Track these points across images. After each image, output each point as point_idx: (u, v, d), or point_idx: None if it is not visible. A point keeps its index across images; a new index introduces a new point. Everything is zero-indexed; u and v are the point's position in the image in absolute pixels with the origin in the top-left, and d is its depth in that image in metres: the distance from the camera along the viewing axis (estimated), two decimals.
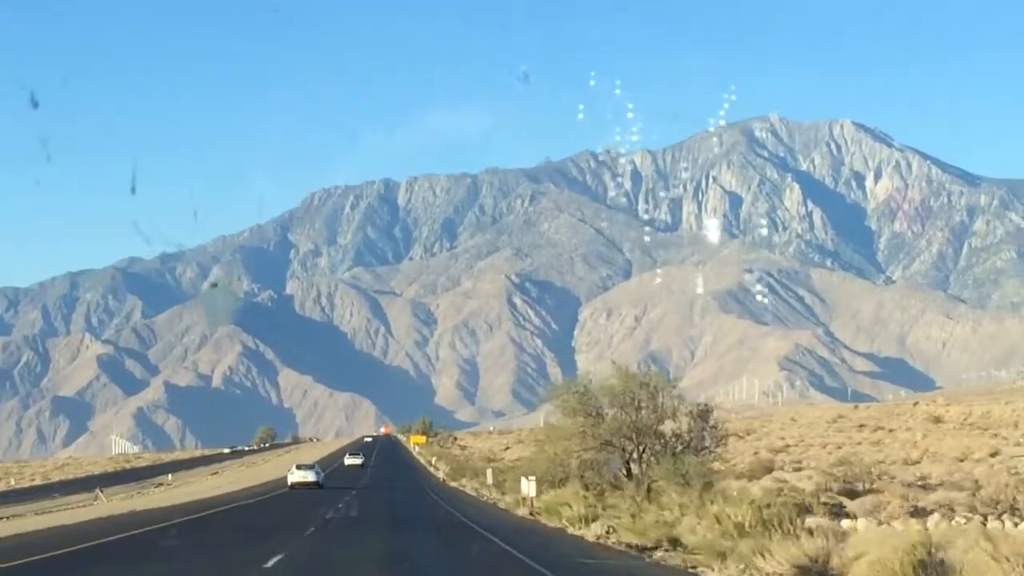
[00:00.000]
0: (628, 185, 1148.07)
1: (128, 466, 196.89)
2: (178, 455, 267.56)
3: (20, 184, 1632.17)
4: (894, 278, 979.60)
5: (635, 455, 67.91)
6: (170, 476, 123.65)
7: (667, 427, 68.26)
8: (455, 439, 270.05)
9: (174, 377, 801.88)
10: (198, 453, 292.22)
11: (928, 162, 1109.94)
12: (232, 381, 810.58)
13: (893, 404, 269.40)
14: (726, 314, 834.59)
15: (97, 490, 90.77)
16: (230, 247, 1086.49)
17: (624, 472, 68.23)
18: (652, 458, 67.10)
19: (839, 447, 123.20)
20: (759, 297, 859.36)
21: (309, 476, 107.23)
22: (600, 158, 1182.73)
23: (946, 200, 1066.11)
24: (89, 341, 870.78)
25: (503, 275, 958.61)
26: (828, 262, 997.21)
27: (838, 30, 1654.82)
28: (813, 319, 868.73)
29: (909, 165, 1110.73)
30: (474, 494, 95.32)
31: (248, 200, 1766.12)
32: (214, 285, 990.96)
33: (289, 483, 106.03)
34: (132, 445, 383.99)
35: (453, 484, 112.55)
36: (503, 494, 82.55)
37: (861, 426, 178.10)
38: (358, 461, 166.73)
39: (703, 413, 70.11)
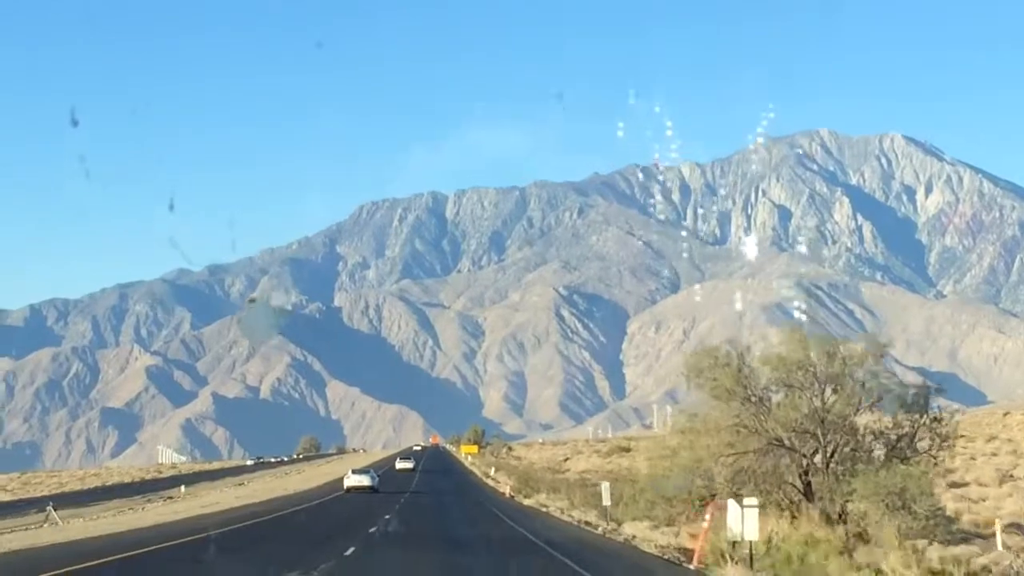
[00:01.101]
0: (676, 198, 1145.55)
1: (152, 476, 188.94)
2: (212, 466, 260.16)
3: (69, 198, 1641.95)
4: (945, 292, 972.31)
5: (818, 460, 48.43)
6: (183, 488, 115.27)
7: (862, 420, 48.94)
8: (509, 449, 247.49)
9: (222, 388, 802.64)
10: (232, 464, 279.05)
11: (980, 176, 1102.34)
12: (280, 392, 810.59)
13: (973, 414, 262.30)
14: (775, 327, 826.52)
15: (49, 507, 75.44)
16: (278, 259, 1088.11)
17: (800, 485, 48.72)
18: (840, 465, 48.05)
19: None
20: (796, 314, 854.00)
21: (364, 480, 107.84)
22: (648, 171, 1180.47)
23: (998, 214, 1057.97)
24: (138, 352, 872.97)
25: (551, 288, 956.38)
26: (878, 276, 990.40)
27: (888, 45, 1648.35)
28: (863, 333, 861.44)
29: (960, 179, 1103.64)
30: (570, 521, 67.31)
31: (296, 213, 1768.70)
32: (252, 300, 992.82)
33: (345, 487, 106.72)
34: (179, 456, 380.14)
35: (527, 502, 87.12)
36: (616, 523, 60.40)
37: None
38: (409, 465, 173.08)
39: (925, 395, 50.05)
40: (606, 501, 63.74)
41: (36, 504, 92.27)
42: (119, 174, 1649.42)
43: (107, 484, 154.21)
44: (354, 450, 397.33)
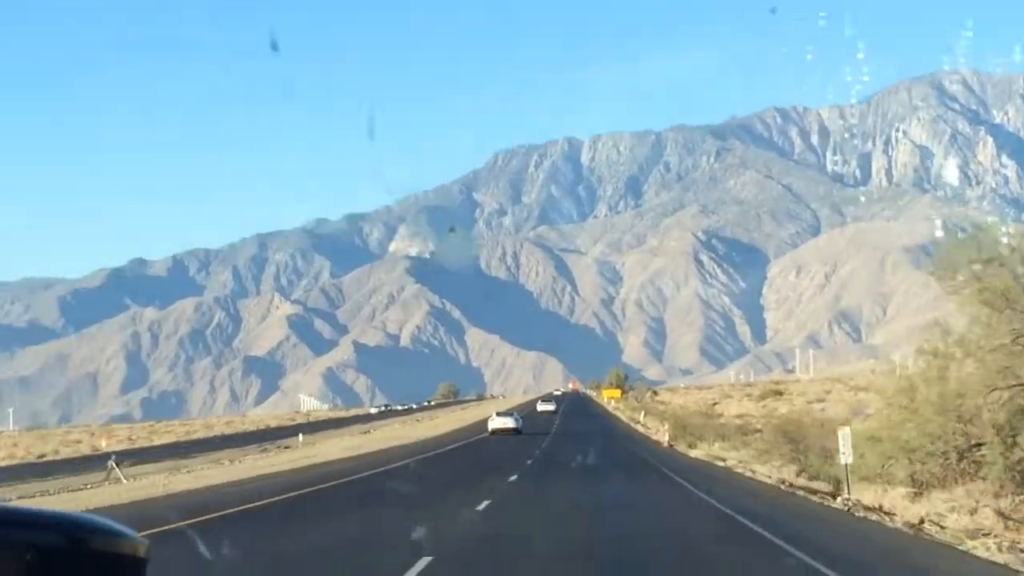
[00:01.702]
0: (816, 140, 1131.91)
1: (278, 425, 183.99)
2: (346, 413, 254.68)
3: (210, 145, 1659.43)
4: None
5: None
6: (300, 437, 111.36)
7: None
8: (654, 393, 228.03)
9: (363, 337, 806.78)
10: (364, 411, 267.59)
11: None
12: (420, 340, 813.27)
13: None
14: (918, 269, 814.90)
15: (110, 462, 62.29)
16: (415, 207, 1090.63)
17: None
18: None
19: None
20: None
21: (508, 423, 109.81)
22: (786, 114, 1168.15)
23: None
24: (279, 301, 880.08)
25: (689, 232, 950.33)
26: None
27: None
28: None
29: None
30: (768, 481, 50.22)
31: (433, 160, 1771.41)
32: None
33: (489, 429, 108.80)
34: (319, 403, 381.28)
35: (694, 454, 72.67)
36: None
37: None
38: (550, 407, 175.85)
39: None
40: (845, 456, 39.47)
41: (131, 456, 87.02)
42: (257, 121, 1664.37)
43: (227, 433, 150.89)
44: (492, 396, 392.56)
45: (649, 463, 64.28)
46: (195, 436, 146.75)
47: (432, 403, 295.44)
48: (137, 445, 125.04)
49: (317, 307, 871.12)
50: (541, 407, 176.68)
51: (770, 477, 52.15)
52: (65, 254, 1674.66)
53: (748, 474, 55.27)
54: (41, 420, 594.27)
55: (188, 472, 68.00)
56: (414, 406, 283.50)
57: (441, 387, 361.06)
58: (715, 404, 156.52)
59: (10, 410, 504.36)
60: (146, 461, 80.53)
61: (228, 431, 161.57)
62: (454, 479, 52.63)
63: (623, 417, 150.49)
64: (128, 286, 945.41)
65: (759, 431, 73.26)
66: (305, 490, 47.51)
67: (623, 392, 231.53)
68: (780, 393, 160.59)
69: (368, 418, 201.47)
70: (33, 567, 2.98)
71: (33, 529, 3.05)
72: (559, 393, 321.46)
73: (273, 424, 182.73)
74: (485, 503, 38.37)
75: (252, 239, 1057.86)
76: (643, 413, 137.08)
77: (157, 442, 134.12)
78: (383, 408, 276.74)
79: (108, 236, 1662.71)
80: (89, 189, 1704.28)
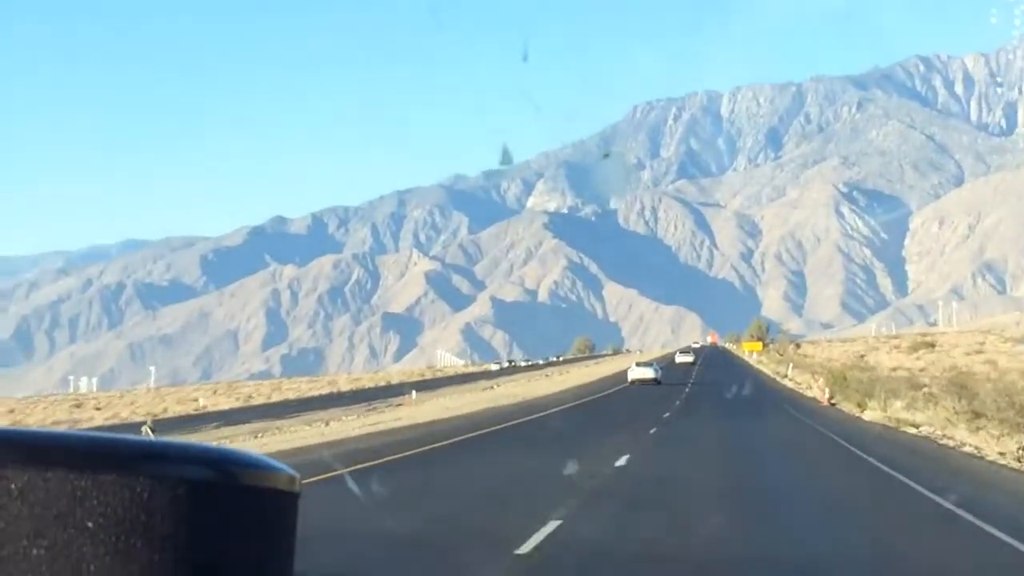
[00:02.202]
0: (960, 90, 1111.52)
1: (401, 380, 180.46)
2: (471, 368, 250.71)
3: (352, 102, 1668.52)
4: None
5: None
6: (413, 395, 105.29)
7: None
8: (797, 346, 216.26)
9: (500, 292, 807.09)
10: (490, 366, 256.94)
11: None
12: (558, 295, 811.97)
13: None
14: None
15: (145, 427, 53.14)
16: (554, 162, 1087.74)
17: None
18: None
19: None
20: None
21: (648, 373, 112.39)
22: (929, 62, 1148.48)
23: None
24: (417, 258, 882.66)
25: (830, 184, 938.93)
26: None
27: None
28: None
29: None
30: None
31: (571, 115, 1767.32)
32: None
33: (629, 379, 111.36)
34: (457, 359, 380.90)
35: (869, 417, 55.65)
36: None
37: None
38: (689, 359, 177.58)
39: None
40: None
41: (227, 418, 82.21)
42: (393, 81, 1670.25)
43: (346, 390, 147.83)
44: (627, 350, 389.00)
45: (814, 429, 49.03)
46: (314, 393, 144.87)
47: (560, 358, 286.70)
48: (246, 403, 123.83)
49: (455, 263, 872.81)
50: (680, 359, 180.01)
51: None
52: (206, 213, 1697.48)
53: (979, 455, 35.67)
54: (181, 377, 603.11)
55: (266, 435, 63.19)
56: (540, 361, 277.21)
57: (577, 341, 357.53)
58: (863, 356, 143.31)
59: (152, 368, 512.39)
60: (237, 422, 78.39)
61: (351, 387, 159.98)
62: (522, 470, 33.04)
63: (767, 371, 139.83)
64: (268, 244, 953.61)
65: (926, 386, 60.48)
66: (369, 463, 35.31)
67: (764, 345, 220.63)
68: (932, 344, 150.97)
69: (493, 374, 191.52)
70: (185, 501, 2.80)
71: (184, 463, 2.83)
72: (697, 346, 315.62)
73: (395, 380, 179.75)
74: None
75: (391, 196, 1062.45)
76: (790, 366, 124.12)
77: (275, 398, 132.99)
78: (509, 363, 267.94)
79: (249, 195, 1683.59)
80: (231, 148, 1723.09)
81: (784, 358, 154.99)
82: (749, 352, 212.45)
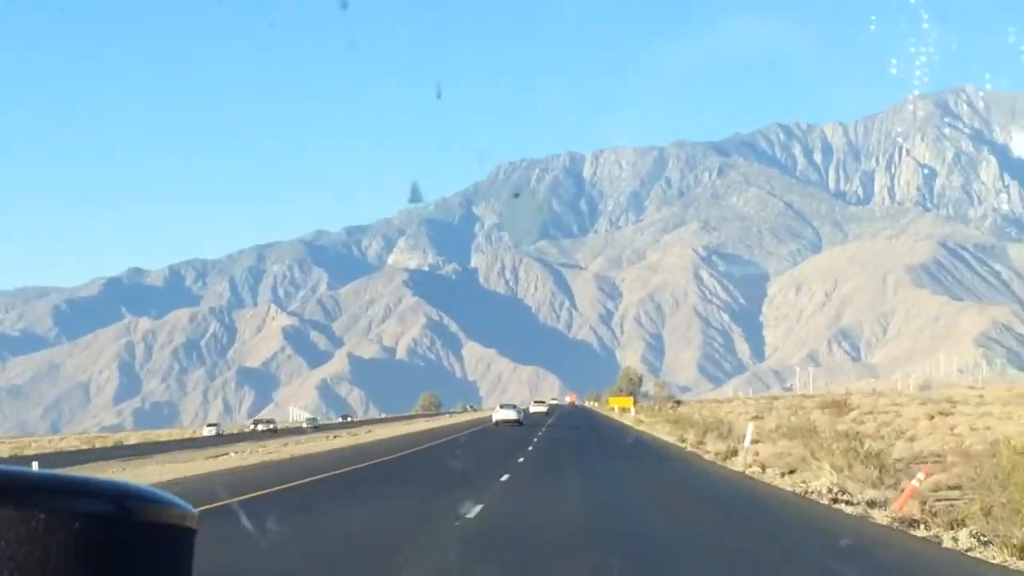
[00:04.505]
0: (819, 158, 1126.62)
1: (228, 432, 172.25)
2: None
3: (210, 154, 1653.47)
4: None
5: None
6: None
7: None
8: (677, 403, 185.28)
9: (358, 349, 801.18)
10: (207, 431, 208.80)
11: None
12: (416, 353, 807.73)
13: None
14: (919, 289, 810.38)
15: None
16: (415, 220, 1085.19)
17: None
18: None
19: None
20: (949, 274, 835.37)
21: (511, 415, 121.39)
22: (789, 131, 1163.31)
23: None
24: (275, 312, 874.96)
25: (690, 248, 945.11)
26: None
27: None
28: (1010, 295, 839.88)
29: None
30: None
31: (434, 174, 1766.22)
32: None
33: (493, 420, 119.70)
34: (308, 415, 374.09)
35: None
36: None
37: None
38: (543, 409, 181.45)
39: None
40: None
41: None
42: (253, 133, 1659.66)
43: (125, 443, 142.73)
44: (472, 407, 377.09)
45: None
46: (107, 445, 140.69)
47: (349, 419, 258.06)
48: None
49: (313, 319, 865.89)
50: (534, 408, 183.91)
51: None
52: (62, 263, 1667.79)
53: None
54: (29, 429, 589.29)
55: None
56: (351, 418, 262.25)
57: (422, 398, 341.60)
58: (755, 418, 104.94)
59: None
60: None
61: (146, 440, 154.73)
62: None
63: (663, 436, 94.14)
64: (124, 295, 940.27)
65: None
66: None
67: (635, 401, 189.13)
68: (842, 404, 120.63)
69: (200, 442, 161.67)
70: (81, 535, 2.92)
71: (81, 497, 2.95)
72: (555, 402, 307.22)
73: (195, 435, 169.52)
74: None
75: (251, 250, 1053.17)
76: (702, 432, 79.87)
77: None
78: (254, 426, 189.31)
79: (105, 245, 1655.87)
80: (87, 198, 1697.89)
81: (676, 417, 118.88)
82: (619, 409, 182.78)
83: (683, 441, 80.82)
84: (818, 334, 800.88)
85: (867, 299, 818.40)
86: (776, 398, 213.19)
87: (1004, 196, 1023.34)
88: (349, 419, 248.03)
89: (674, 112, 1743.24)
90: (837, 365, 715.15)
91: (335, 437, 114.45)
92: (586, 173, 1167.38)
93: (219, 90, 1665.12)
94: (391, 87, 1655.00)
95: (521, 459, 62.17)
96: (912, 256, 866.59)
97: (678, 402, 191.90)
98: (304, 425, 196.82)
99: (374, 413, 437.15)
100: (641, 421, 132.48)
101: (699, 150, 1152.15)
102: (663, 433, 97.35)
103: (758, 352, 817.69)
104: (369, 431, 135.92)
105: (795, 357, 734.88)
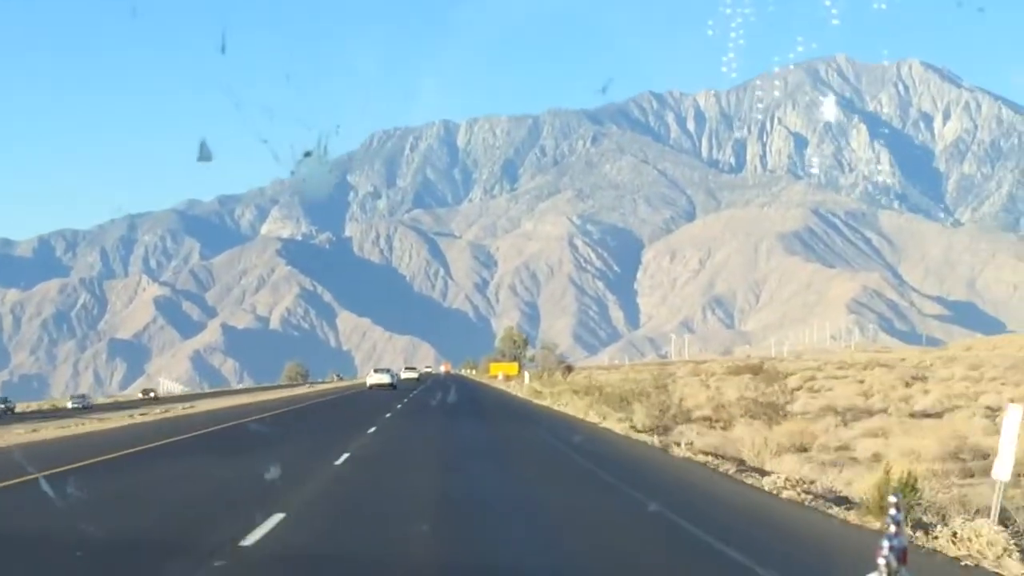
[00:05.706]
0: (692, 127, 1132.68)
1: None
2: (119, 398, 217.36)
3: (81, 124, 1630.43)
4: (963, 220, 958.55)
5: None
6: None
7: None
8: (568, 369, 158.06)
9: (231, 319, 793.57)
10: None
11: (999, 102, 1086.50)
12: (290, 323, 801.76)
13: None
14: (792, 256, 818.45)
15: None
16: (288, 189, 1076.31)
17: None
18: None
19: None
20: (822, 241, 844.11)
21: (385, 379, 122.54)
22: (662, 99, 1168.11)
23: (1016, 141, 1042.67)
24: (146, 283, 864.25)
25: (564, 217, 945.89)
26: (896, 204, 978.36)
27: None
28: (881, 261, 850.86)
29: (979, 105, 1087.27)
30: None
31: (305, 144, 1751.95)
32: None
33: (368, 384, 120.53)
34: (179, 386, 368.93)
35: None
36: None
37: None
38: (413, 375, 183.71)
39: None
40: None
41: None
42: (130, 95, 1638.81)
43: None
44: (339, 376, 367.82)
45: None
46: None
47: (154, 395, 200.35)
48: None
49: (185, 289, 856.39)
50: (405, 375, 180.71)
51: None
52: None
53: None
54: None
55: None
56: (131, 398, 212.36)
57: (287, 368, 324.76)
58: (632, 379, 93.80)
59: None
60: None
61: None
62: None
63: (571, 412, 70.51)
64: None
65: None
66: None
67: (520, 367, 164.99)
68: (758, 370, 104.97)
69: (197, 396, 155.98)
70: None
71: None
72: (428, 370, 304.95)
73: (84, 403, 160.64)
74: None
75: (122, 220, 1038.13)
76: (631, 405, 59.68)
77: None
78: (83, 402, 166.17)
79: None
80: None
81: (586, 385, 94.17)
82: (503, 377, 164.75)
83: (602, 418, 59.38)
84: (692, 301, 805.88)
85: (740, 267, 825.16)
86: (666, 364, 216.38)
87: (875, 164, 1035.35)
88: (153, 395, 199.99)
89: (548, 79, 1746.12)
90: (711, 332, 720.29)
91: (131, 417, 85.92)
92: (460, 142, 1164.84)
93: (85, 53, 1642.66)
94: (270, 53, 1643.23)
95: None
96: (784, 224, 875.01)
97: (569, 368, 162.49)
98: (70, 405, 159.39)
99: (249, 383, 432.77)
100: (538, 392, 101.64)
101: (573, 118, 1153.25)
102: (582, 411, 67.01)
103: (633, 320, 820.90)
104: (191, 407, 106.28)
105: (669, 324, 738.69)
